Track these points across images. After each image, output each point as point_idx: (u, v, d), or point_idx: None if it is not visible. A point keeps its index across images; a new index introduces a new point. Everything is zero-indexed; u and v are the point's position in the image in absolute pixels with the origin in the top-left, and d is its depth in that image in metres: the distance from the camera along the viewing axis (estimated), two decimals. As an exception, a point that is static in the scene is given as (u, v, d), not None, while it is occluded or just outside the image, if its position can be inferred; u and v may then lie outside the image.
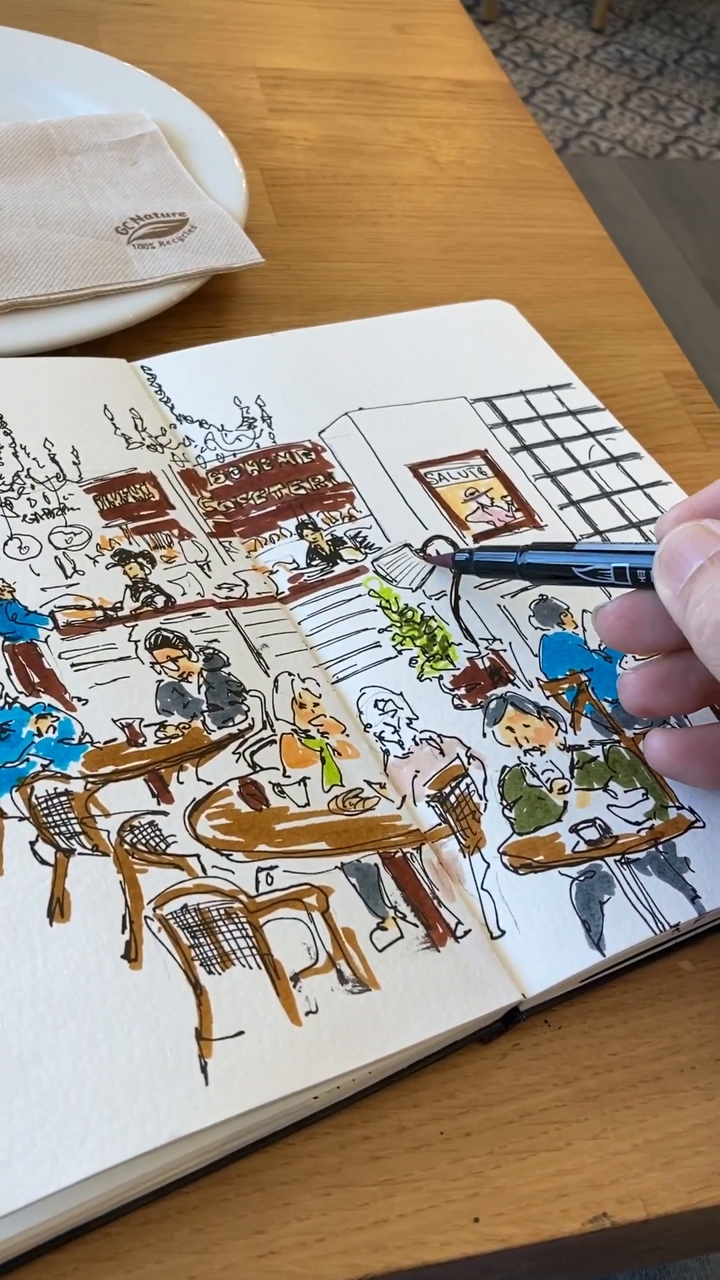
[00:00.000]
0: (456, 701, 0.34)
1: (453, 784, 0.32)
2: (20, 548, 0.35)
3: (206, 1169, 0.26)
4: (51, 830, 0.29)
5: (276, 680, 0.34)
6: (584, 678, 0.36)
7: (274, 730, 0.32)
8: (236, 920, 0.28)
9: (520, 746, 0.34)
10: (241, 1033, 0.26)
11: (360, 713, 0.34)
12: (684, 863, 0.32)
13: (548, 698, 0.35)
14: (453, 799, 0.32)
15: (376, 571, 0.38)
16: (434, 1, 0.79)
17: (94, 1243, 0.25)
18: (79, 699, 0.32)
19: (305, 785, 0.31)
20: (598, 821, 0.32)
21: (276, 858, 0.30)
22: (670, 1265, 0.50)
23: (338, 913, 0.29)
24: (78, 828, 0.29)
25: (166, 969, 0.27)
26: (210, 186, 0.53)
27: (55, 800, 0.29)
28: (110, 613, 0.34)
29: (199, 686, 0.33)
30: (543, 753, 0.34)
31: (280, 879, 0.29)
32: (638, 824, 0.32)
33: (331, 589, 0.37)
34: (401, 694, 0.34)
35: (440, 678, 0.35)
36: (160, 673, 0.33)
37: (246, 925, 0.28)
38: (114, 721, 0.31)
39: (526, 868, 0.31)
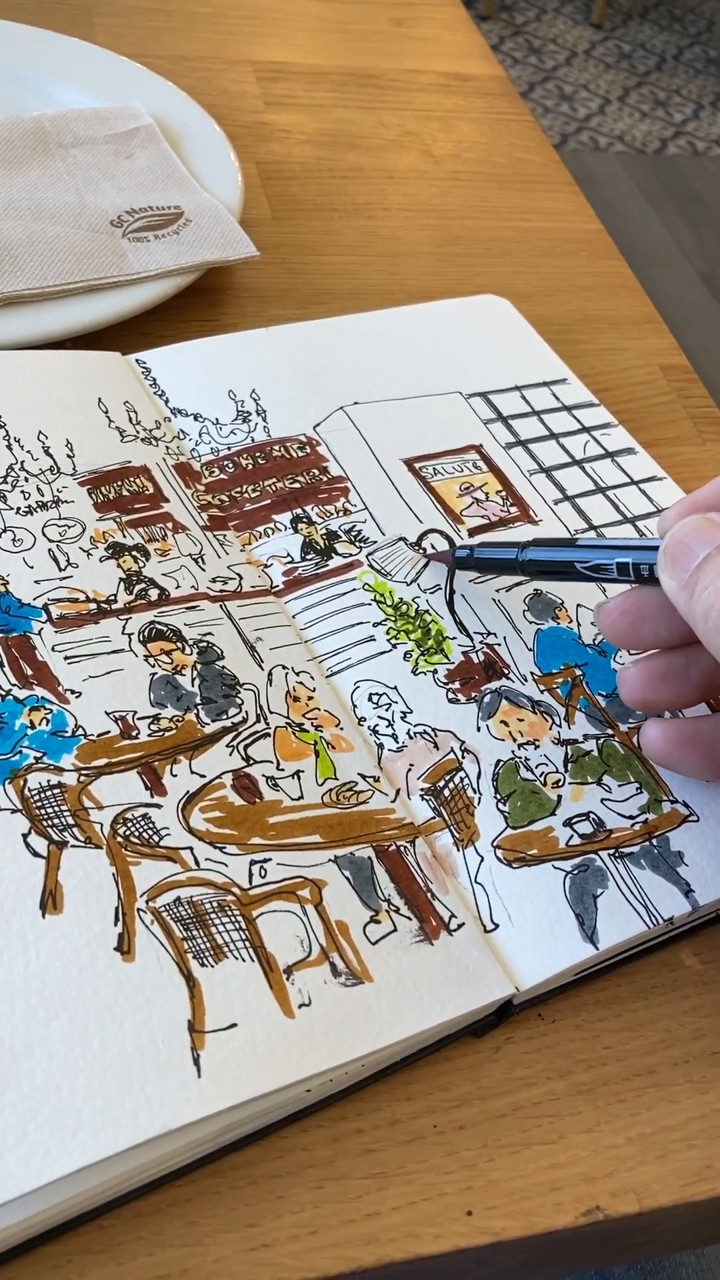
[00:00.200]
0: (451, 695, 0.34)
1: (447, 778, 0.32)
2: (14, 540, 0.35)
3: (199, 1162, 0.26)
4: (44, 822, 0.29)
5: (271, 674, 0.34)
6: (578, 672, 0.36)
7: (268, 723, 0.32)
8: (230, 913, 0.28)
9: (514, 740, 0.34)
10: (234, 1025, 0.26)
11: (354, 706, 0.34)
12: (678, 856, 0.32)
13: (542, 692, 0.35)
14: (447, 792, 0.32)
15: (371, 565, 0.38)
16: (431, -5, 0.79)
17: (86, 1235, 0.25)
18: (72, 691, 0.32)
19: (299, 778, 0.31)
20: (592, 815, 0.32)
21: (270, 851, 0.29)
22: (664, 1260, 0.50)
23: (331, 906, 0.29)
24: (71, 820, 0.29)
25: (159, 961, 0.27)
26: (205, 180, 0.53)
27: (48, 792, 0.29)
28: (104, 606, 0.34)
29: (193, 679, 0.33)
30: (537, 747, 0.34)
31: (274, 872, 0.29)
32: (632, 818, 0.32)
33: (326, 583, 0.37)
34: (396, 688, 0.34)
35: (435, 672, 0.35)
36: (154, 666, 0.33)
37: (240, 918, 0.28)
38: (107, 714, 0.31)
39: (520, 861, 0.31)
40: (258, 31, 0.71)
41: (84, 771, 0.30)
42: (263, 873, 0.29)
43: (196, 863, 0.29)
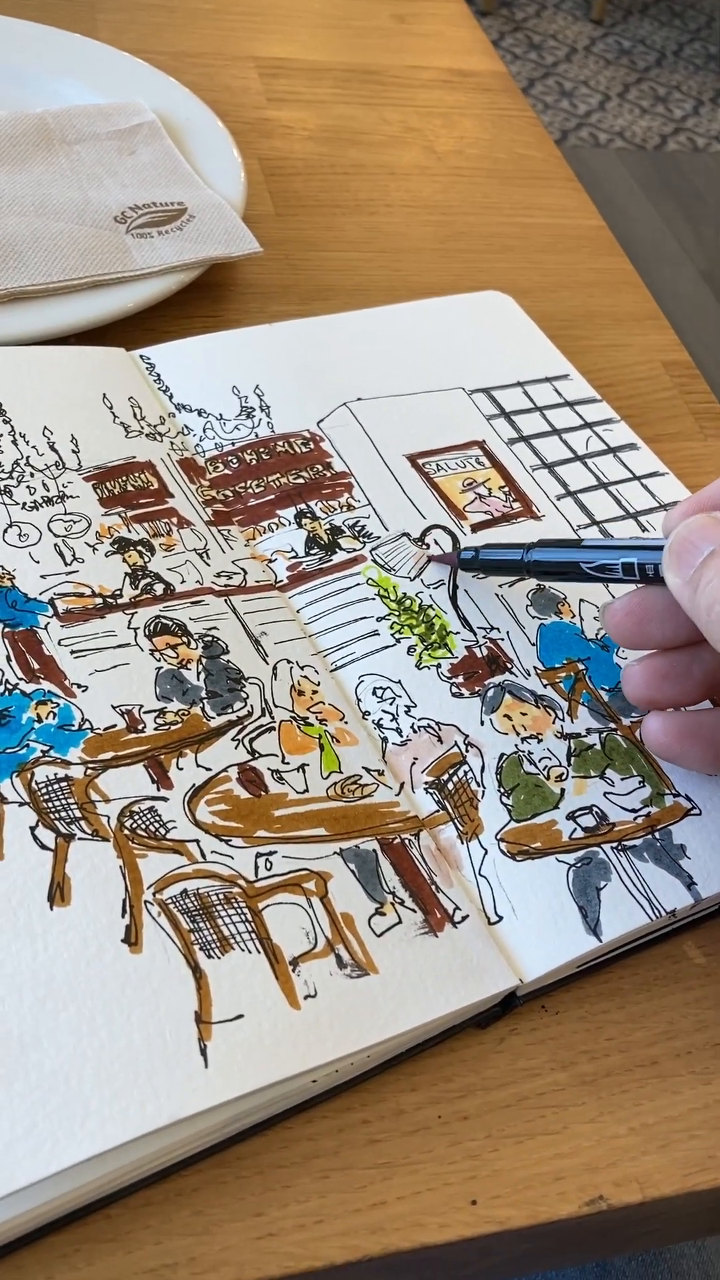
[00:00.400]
0: (454, 690, 0.34)
1: (451, 771, 0.33)
2: (20, 535, 0.35)
3: (206, 1152, 0.26)
4: (52, 815, 0.29)
5: (275, 668, 0.34)
6: (581, 666, 0.36)
7: (273, 717, 0.33)
8: (236, 905, 0.28)
9: (518, 734, 0.34)
10: (241, 1016, 0.26)
11: (359, 700, 0.34)
12: (680, 849, 0.32)
13: (545, 686, 0.35)
14: (451, 786, 0.32)
15: (375, 560, 0.38)
16: (432, -9, 0.79)
17: (95, 1224, 0.25)
18: (79, 685, 0.32)
19: (304, 772, 0.32)
20: (595, 809, 0.32)
21: (275, 843, 0.30)
22: (665, 1252, 0.51)
23: (336, 898, 0.29)
24: (78, 813, 0.29)
25: (166, 953, 0.27)
26: (208, 176, 0.53)
27: (55, 785, 0.29)
28: (110, 600, 0.34)
29: (198, 674, 0.33)
30: (540, 740, 0.34)
31: (279, 864, 0.29)
32: (635, 811, 0.33)
33: (330, 578, 0.37)
34: (400, 682, 0.34)
35: (438, 666, 0.35)
36: (159, 660, 0.33)
37: (246, 910, 0.28)
38: (114, 708, 0.31)
39: (524, 854, 0.31)
40: (260, 27, 0.71)
41: (91, 765, 0.30)
42: (268, 865, 0.29)
43: (203, 855, 0.29)
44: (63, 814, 0.29)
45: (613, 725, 0.35)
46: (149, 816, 0.29)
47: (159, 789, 0.30)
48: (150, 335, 0.46)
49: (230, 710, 0.32)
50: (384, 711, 0.34)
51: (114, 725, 0.31)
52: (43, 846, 0.28)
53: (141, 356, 0.43)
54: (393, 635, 0.36)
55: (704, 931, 0.33)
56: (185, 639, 0.34)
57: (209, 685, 0.33)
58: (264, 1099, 0.26)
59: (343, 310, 0.48)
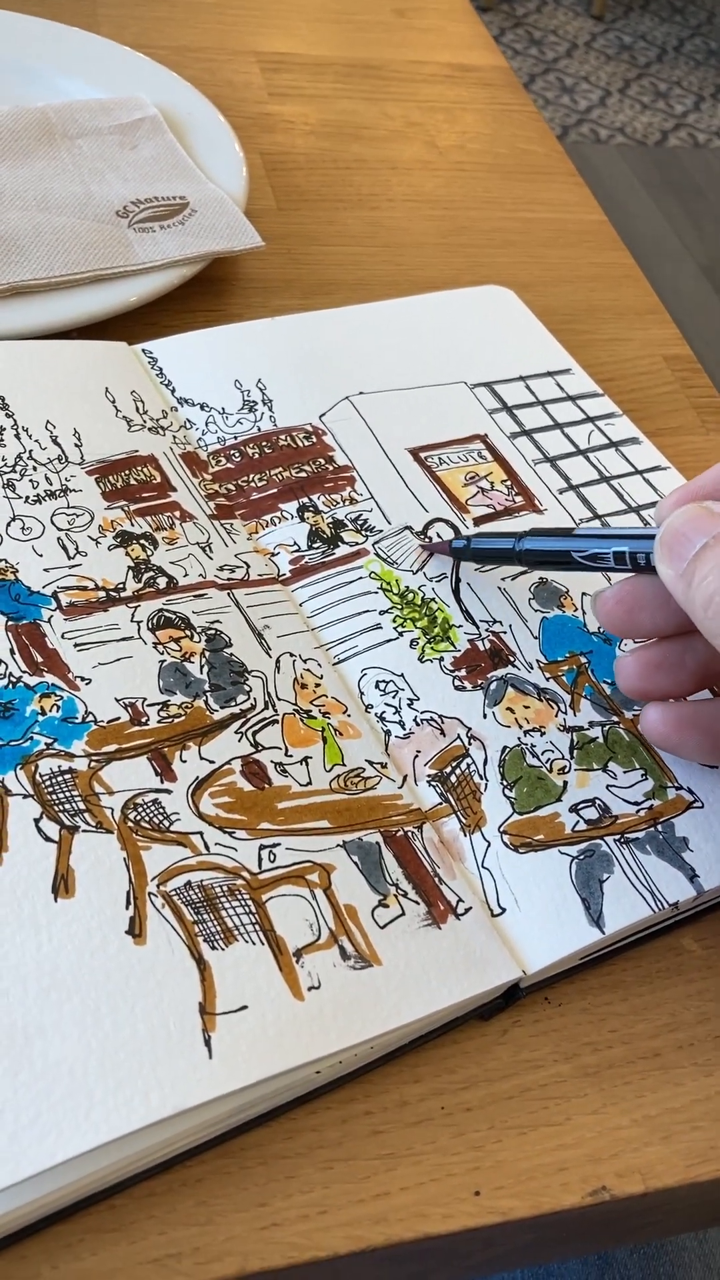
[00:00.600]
0: (457, 683, 0.35)
1: (453, 764, 0.33)
2: (23, 529, 0.35)
3: (210, 1142, 0.26)
4: (56, 807, 0.29)
5: (278, 661, 0.34)
6: (583, 660, 0.36)
7: (276, 710, 0.33)
8: (239, 897, 0.28)
9: (520, 727, 0.34)
10: (245, 1007, 0.26)
11: (361, 693, 0.34)
12: (683, 842, 0.32)
13: (548, 679, 0.35)
14: (453, 779, 0.32)
15: (377, 554, 0.38)
16: (434, -14, 0.79)
17: (99, 1214, 0.25)
18: (82, 678, 0.32)
19: (307, 764, 0.32)
20: (597, 801, 0.32)
21: (279, 836, 0.30)
22: (667, 1244, 0.51)
23: (340, 890, 0.29)
24: (82, 805, 0.29)
25: (170, 944, 0.27)
26: (210, 170, 0.53)
27: (59, 778, 0.29)
28: (113, 593, 0.34)
29: (201, 667, 0.33)
30: (543, 733, 0.34)
31: (283, 856, 0.29)
32: (637, 804, 0.33)
33: (332, 571, 0.37)
34: (402, 675, 0.34)
35: (441, 659, 0.35)
36: (163, 653, 0.33)
37: (249, 902, 0.28)
38: (117, 701, 0.31)
39: (527, 846, 0.31)
40: (261, 22, 0.71)
41: (94, 757, 0.30)
42: (272, 857, 0.29)
43: (206, 847, 0.29)
44: (67, 806, 0.29)
45: (615, 718, 0.35)
46: (153, 809, 0.29)
47: (163, 781, 0.30)
48: (152, 329, 0.46)
49: (233, 703, 0.32)
50: (387, 704, 0.34)
51: (117, 718, 0.31)
52: (47, 839, 0.28)
53: (144, 350, 0.43)
54: (395, 628, 0.36)
55: (706, 924, 0.33)
56: (188, 632, 0.34)
57: (212, 678, 0.33)
58: (268, 1090, 0.26)
59: (345, 305, 0.48)
